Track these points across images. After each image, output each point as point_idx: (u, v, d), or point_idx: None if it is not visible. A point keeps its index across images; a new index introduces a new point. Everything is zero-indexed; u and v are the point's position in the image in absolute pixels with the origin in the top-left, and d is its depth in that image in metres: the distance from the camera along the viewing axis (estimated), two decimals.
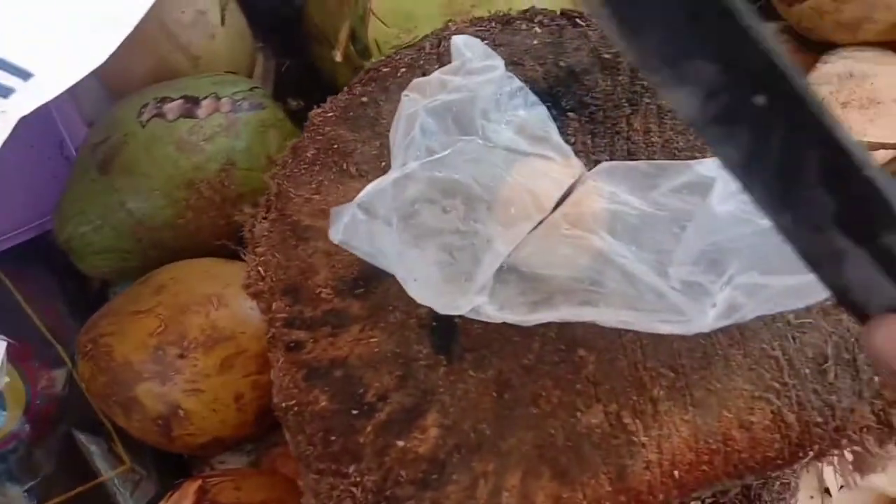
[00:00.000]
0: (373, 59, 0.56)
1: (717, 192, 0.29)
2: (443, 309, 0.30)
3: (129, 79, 0.65)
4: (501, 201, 0.32)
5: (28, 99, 0.39)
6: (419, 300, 0.30)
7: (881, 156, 0.59)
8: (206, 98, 0.58)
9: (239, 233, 0.60)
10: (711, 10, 0.22)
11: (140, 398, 0.51)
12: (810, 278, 0.24)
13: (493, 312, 0.30)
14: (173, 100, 0.58)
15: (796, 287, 0.28)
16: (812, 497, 0.51)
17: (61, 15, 0.42)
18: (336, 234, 0.29)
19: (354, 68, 0.63)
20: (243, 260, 0.57)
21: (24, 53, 0.40)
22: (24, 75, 0.39)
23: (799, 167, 0.22)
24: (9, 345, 0.44)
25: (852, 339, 0.33)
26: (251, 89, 0.61)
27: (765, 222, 0.24)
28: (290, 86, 0.76)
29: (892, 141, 0.59)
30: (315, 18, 0.69)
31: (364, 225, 0.29)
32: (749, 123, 0.22)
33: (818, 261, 0.23)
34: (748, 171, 0.24)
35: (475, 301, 0.30)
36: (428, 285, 0.30)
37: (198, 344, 0.50)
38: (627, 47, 0.24)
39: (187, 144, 0.57)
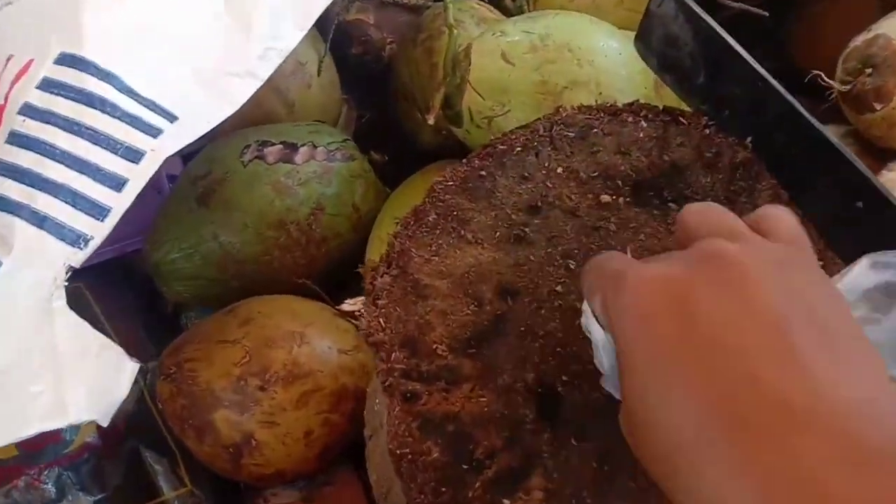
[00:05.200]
0: (464, 126, 0.60)
1: None
2: None
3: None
4: None
5: (173, 140, 0.42)
6: None
7: None
8: (303, 146, 0.62)
9: (318, 274, 0.63)
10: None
11: (216, 424, 0.53)
12: None
13: None
14: (273, 144, 0.62)
15: None
16: None
17: (205, 64, 0.45)
18: None
19: (439, 130, 0.66)
20: (320, 300, 0.60)
21: (171, 98, 0.43)
22: (171, 118, 0.43)
23: None
24: None
25: None
26: (343, 141, 0.65)
27: None
28: (368, 137, 0.80)
29: None
30: (404, 77, 0.73)
31: None
32: None
33: None
34: None
35: None
36: None
37: (279, 378, 0.53)
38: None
39: (283, 187, 0.60)
